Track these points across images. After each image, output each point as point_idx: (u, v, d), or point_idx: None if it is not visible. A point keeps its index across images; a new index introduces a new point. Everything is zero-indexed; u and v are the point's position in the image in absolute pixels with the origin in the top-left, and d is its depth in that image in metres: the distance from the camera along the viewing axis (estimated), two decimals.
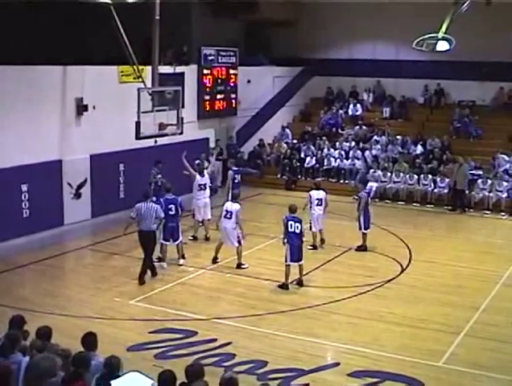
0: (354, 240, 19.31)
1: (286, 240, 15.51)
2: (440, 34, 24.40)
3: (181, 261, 17.18)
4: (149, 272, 15.96)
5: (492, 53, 26.86)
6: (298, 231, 15.45)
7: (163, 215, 15.80)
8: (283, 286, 15.53)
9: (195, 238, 19.31)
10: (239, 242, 17.00)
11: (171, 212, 16.73)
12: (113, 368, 7.39)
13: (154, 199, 18.42)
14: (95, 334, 8.62)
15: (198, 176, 19.45)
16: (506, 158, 25.14)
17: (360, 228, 18.79)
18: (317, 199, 18.95)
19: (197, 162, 20.17)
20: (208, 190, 19.62)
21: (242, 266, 17.01)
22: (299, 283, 15.77)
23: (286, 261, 15.54)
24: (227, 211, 16.93)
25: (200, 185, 19.40)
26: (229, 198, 18.24)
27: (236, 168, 21.37)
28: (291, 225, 15.41)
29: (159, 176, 20.36)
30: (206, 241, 19.22)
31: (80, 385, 6.72)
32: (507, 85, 28.32)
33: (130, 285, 15.59)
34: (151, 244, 15.78)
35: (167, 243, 16.96)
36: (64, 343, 8.55)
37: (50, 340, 8.42)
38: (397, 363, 11.79)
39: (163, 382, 7.24)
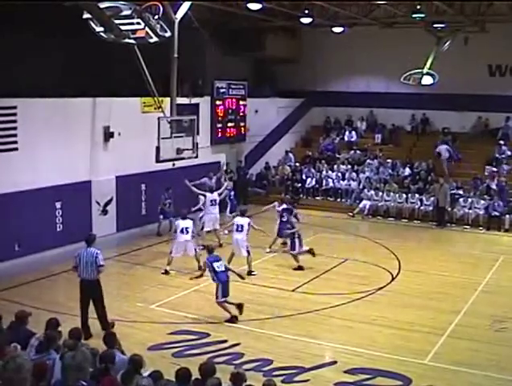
0: (350, 253, 19.39)
1: (215, 279, 13.79)
2: (425, 70, 24.67)
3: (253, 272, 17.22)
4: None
5: (470, 86, 26.94)
6: (223, 268, 13.83)
7: (103, 262, 12.77)
8: (232, 319, 13.72)
9: (205, 247, 19.44)
10: (248, 252, 17.05)
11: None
12: (136, 365, 7.43)
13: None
14: (114, 333, 8.76)
15: (209, 193, 19.68)
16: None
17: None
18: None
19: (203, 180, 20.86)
20: (217, 206, 19.91)
21: (253, 273, 17.01)
22: (236, 317, 13.80)
23: (218, 299, 13.76)
24: (237, 224, 17.02)
25: (211, 201, 19.68)
26: (228, 212, 19.92)
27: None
28: (218, 266, 13.74)
29: (169, 201, 20.69)
30: (220, 247, 19.27)
31: (109, 379, 6.74)
32: (484, 115, 28.35)
33: (151, 292, 15.61)
34: (96, 294, 12.85)
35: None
36: (92, 343, 8.60)
37: (80, 340, 8.48)
38: (388, 361, 11.78)
39: (180, 378, 7.27)
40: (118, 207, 20.90)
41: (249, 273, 17.00)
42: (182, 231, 17.15)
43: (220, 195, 20.30)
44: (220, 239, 19.83)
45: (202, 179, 21.86)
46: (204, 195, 19.86)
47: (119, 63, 18.75)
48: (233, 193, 22.12)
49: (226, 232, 19.67)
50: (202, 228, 19.77)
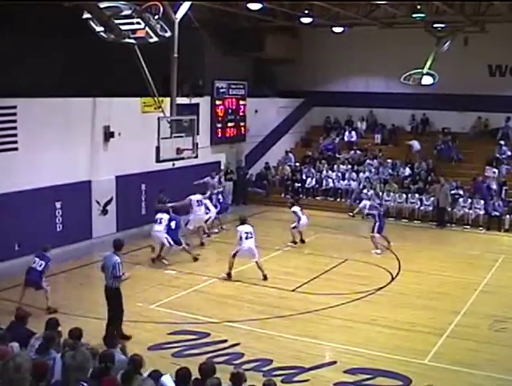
0: (350, 253, 19.40)
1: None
2: (425, 70, 24.66)
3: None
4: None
5: (470, 86, 26.96)
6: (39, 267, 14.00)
7: (120, 273, 12.34)
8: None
9: (188, 245, 19.37)
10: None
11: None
12: (136, 365, 7.43)
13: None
14: (115, 334, 8.76)
15: (192, 195, 20.10)
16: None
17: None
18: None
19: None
20: (203, 206, 20.40)
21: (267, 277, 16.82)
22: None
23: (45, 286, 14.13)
24: (246, 232, 16.68)
25: (197, 201, 20.12)
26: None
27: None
28: (35, 261, 14.00)
29: (160, 205, 20.56)
30: (202, 246, 20.03)
31: (109, 379, 6.72)
32: (484, 115, 28.35)
33: (151, 292, 15.62)
34: (113, 302, 12.42)
35: None
36: (91, 343, 8.59)
37: (80, 340, 8.47)
38: (388, 361, 11.77)
39: (180, 378, 7.27)
40: (118, 207, 20.90)
41: (265, 277, 16.77)
42: (156, 221, 18.12)
43: (205, 198, 20.75)
44: (202, 238, 20.34)
45: (205, 178, 22.12)
46: (190, 200, 19.99)
47: (119, 63, 18.76)
48: (221, 196, 22.34)
49: (216, 230, 21.04)
50: (186, 224, 19.88)
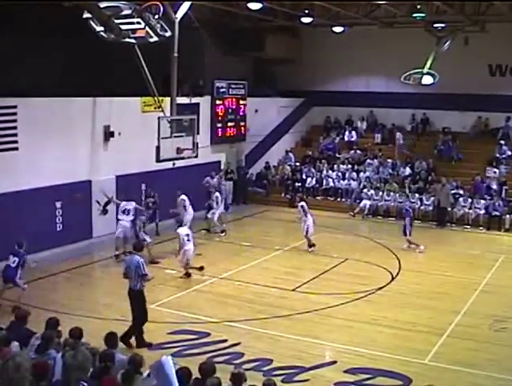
0: (350, 252, 19.39)
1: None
2: (425, 70, 24.67)
3: None
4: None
5: (470, 86, 26.96)
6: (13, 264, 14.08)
7: (145, 271, 12.18)
8: None
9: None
10: None
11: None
12: (136, 365, 7.42)
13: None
14: (116, 333, 8.76)
15: (183, 195, 19.88)
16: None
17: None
18: None
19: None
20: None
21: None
22: None
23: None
24: (187, 234, 16.82)
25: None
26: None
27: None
28: (9, 258, 14.06)
29: (149, 199, 20.53)
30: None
31: (110, 379, 6.72)
32: (484, 114, 28.34)
33: (151, 292, 15.51)
34: (136, 304, 12.31)
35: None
36: (91, 342, 8.59)
37: (81, 339, 8.48)
38: (388, 361, 11.77)
39: (180, 378, 7.25)
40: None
41: (202, 267, 16.93)
42: (124, 211, 18.16)
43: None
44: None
45: (205, 179, 22.15)
46: (183, 200, 19.90)
47: (119, 63, 18.76)
48: (223, 196, 22.61)
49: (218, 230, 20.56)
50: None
